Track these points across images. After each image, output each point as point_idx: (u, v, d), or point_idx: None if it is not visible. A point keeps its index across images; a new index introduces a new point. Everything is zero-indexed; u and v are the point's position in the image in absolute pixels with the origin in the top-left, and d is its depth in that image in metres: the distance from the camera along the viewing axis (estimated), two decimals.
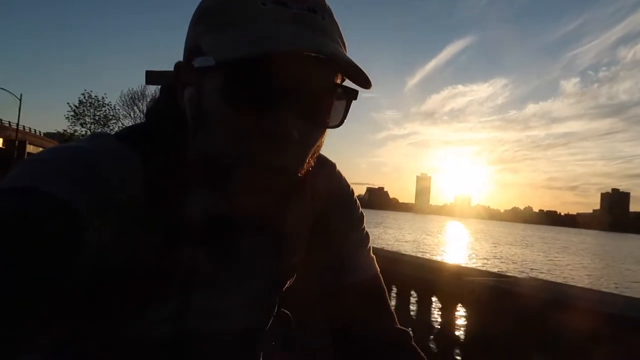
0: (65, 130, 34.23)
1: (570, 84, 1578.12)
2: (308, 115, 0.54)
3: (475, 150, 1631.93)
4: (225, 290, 0.65)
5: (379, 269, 0.77)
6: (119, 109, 35.06)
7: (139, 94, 35.66)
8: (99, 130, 29.43)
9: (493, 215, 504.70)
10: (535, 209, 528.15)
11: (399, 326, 0.75)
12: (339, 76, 0.57)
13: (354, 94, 0.58)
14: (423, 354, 0.72)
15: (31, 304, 0.42)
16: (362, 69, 0.54)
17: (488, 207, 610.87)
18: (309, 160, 0.59)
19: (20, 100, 39.41)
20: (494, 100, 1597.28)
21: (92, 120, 33.53)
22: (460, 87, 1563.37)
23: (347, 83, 0.58)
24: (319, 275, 0.75)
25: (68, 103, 34.72)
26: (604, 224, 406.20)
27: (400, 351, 0.72)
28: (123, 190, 0.55)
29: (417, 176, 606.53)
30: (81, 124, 32.98)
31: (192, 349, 0.63)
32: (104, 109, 35.81)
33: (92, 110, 35.47)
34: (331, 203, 0.74)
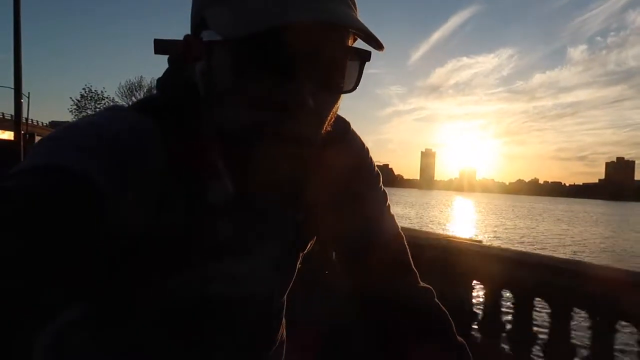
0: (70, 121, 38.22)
1: (577, 52, 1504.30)
2: (322, 82, 0.54)
3: (482, 124, 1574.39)
4: (248, 255, 0.66)
5: (399, 227, 0.78)
6: (118, 101, 38.72)
7: (137, 84, 39.28)
8: None
9: (498, 188, 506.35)
10: (542, 181, 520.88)
11: (422, 284, 0.77)
12: (351, 38, 0.56)
13: (366, 55, 0.57)
14: (445, 310, 0.75)
15: (54, 281, 0.42)
16: (373, 33, 0.53)
17: (493, 180, 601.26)
18: (326, 127, 0.59)
19: (28, 98, 43.42)
20: (499, 71, 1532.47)
21: (93, 112, 37.24)
22: (466, 60, 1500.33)
23: (359, 44, 0.57)
24: (341, 238, 0.76)
25: (71, 97, 38.47)
26: (609, 193, 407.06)
27: (423, 308, 0.74)
28: (142, 161, 0.54)
29: (421, 152, 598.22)
30: (83, 117, 36.76)
31: (218, 313, 0.64)
32: (103, 101, 39.57)
33: (92, 104, 39.29)
34: (348, 164, 0.73)
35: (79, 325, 0.61)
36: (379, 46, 0.55)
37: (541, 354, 2.27)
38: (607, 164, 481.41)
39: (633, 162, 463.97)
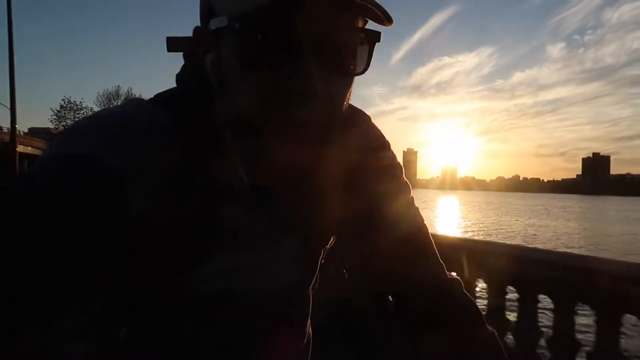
0: (51, 128, 40.97)
1: (556, 50, 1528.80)
2: (332, 64, 0.52)
3: (464, 122, 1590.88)
4: (267, 247, 0.65)
5: (423, 220, 0.76)
6: (96, 110, 41.38)
7: (114, 93, 42.09)
8: None
9: (479, 186, 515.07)
10: (522, 177, 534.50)
11: (450, 274, 0.75)
12: (361, 18, 0.53)
13: (376, 36, 0.55)
14: (473, 300, 0.73)
15: (77, 269, 0.42)
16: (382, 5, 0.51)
17: (474, 177, 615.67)
18: (340, 111, 0.57)
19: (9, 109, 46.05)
20: (480, 70, 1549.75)
21: (72, 122, 39.78)
22: (447, 59, 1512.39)
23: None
24: (360, 232, 0.74)
25: (51, 108, 41.23)
26: (585, 188, 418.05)
27: (452, 299, 0.73)
28: (159, 150, 0.54)
29: (403, 151, 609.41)
30: (63, 126, 39.39)
31: (236, 307, 0.63)
32: (82, 111, 42.34)
33: (72, 113, 42.00)
34: (368, 155, 0.71)
35: (95, 320, 0.59)
36: (387, 19, 0.52)
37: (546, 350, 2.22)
38: (583, 160, 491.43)
39: (608, 157, 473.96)
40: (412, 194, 0.76)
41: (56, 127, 39.76)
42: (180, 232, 0.56)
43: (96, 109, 40.87)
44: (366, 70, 0.56)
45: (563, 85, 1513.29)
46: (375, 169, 0.72)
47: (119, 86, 44.76)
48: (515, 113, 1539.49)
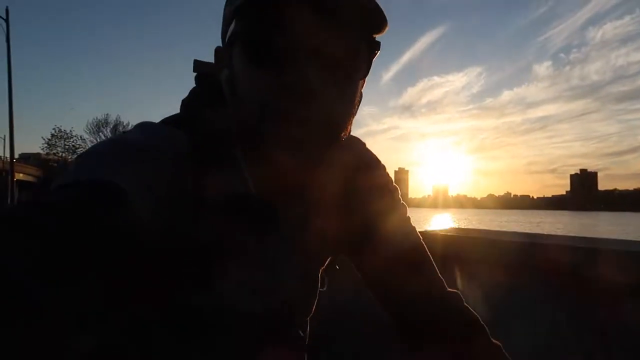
0: (42, 154, 44.02)
1: (542, 68, 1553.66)
2: (331, 67, 0.53)
3: (455, 140, 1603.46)
4: (272, 266, 0.65)
5: (420, 238, 0.76)
6: (86, 138, 44.05)
7: (103, 121, 44.96)
8: (70, 157, 39.20)
9: (471, 204, 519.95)
10: (513, 195, 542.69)
11: (449, 289, 0.75)
12: (362, 26, 0.55)
13: (376, 45, 0.57)
14: (476, 314, 0.73)
15: (94, 289, 0.43)
16: (381, 8, 0.53)
17: (465, 195, 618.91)
18: (344, 116, 0.58)
19: (4, 140, 49.02)
20: (469, 89, 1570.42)
21: (62, 150, 42.63)
22: (436, 79, 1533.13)
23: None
24: (356, 249, 0.75)
25: (42, 137, 43.97)
26: (574, 204, 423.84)
27: (453, 313, 0.72)
28: (171, 171, 0.55)
29: (394, 171, 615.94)
30: (54, 153, 42.24)
31: (241, 325, 0.62)
32: (72, 139, 45.27)
33: (62, 142, 44.92)
34: (363, 175, 0.74)
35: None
36: (381, 20, 0.55)
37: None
38: (571, 176, 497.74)
39: (595, 174, 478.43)
40: (408, 213, 0.78)
41: (47, 153, 42.61)
42: (190, 250, 0.56)
43: (86, 136, 43.58)
44: (365, 76, 0.59)
45: (551, 103, 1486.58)
46: (370, 187, 0.75)
47: (107, 114, 47.81)
48: (505, 131, 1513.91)
